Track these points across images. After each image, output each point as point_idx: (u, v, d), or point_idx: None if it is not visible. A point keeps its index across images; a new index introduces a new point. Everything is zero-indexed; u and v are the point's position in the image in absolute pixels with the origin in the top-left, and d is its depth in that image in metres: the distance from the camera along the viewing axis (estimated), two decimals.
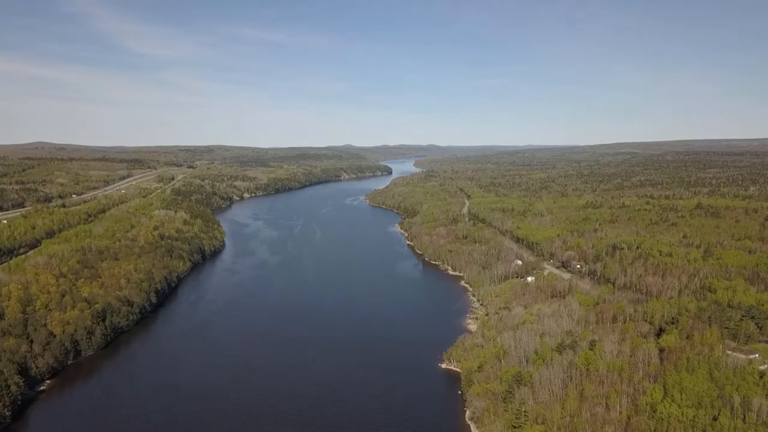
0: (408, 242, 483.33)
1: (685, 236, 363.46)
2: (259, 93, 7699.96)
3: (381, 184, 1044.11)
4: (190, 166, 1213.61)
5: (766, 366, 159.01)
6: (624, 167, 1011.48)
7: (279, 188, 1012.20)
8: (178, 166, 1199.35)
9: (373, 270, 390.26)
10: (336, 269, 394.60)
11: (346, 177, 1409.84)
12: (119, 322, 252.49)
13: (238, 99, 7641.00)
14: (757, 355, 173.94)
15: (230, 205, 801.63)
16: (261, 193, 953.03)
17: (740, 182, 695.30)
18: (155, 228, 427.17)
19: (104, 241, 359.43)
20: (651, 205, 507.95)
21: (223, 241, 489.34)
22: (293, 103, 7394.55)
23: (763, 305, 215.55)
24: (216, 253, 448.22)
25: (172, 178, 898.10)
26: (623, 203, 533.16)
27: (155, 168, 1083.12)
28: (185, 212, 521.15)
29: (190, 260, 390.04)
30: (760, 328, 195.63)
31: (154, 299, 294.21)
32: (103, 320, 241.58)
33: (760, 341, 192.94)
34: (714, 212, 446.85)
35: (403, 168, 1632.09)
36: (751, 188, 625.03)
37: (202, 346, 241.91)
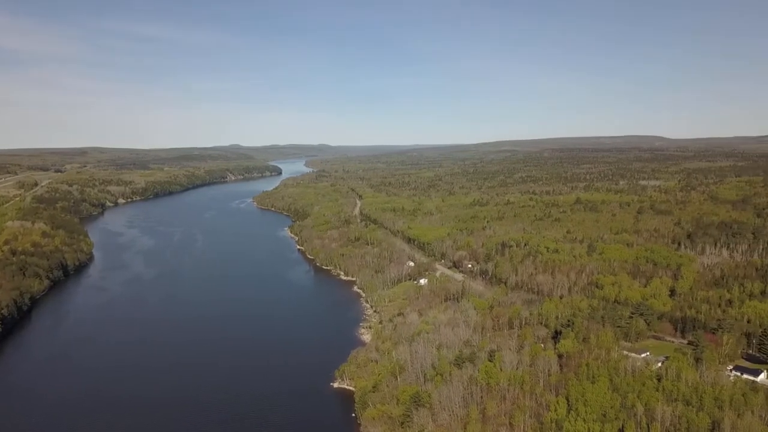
0: (299, 247, 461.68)
1: (568, 231, 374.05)
2: (138, 91, 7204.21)
3: (270, 185, 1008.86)
4: (57, 170, 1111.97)
5: (659, 365, 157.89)
6: (506, 165, 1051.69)
7: (158, 192, 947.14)
8: (44, 170, 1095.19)
9: (261, 279, 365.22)
10: (219, 281, 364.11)
11: (233, 178, 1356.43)
12: None
13: (115, 98, 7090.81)
14: (648, 353, 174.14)
15: (102, 213, 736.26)
16: (138, 198, 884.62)
17: (611, 177, 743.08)
18: (6, 242, 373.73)
19: None
20: (534, 201, 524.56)
21: (91, 253, 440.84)
22: (176, 101, 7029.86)
23: (647, 300, 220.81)
24: (82, 267, 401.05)
25: (35, 184, 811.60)
26: (508, 200, 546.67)
27: (16, 173, 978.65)
28: (45, 223, 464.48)
29: (48, 278, 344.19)
30: (648, 324, 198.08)
31: None
32: None
33: (648, 337, 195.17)
34: (592, 207, 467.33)
35: (294, 168, 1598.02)
36: (621, 182, 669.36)
37: (59, 379, 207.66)
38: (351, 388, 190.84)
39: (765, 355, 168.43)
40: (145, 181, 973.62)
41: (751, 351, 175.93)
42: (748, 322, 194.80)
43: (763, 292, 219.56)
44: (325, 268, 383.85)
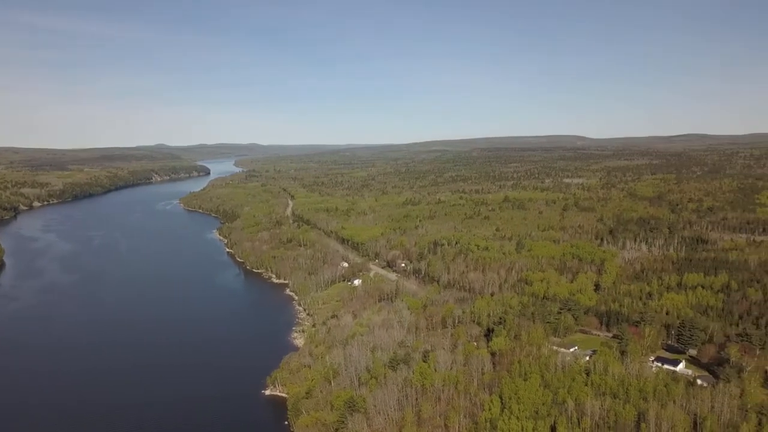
0: (228, 249, 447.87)
1: (498, 229, 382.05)
2: (57, 89, 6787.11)
3: (198, 185, 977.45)
4: None
5: (587, 359, 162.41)
6: (437, 164, 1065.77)
7: (78, 194, 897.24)
8: None
9: (188, 284, 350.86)
10: (143, 287, 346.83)
11: (159, 179, 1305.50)
12: None
13: (31, 95, 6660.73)
14: (577, 348, 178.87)
15: (15, 217, 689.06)
16: (55, 201, 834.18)
17: (537, 175, 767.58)
18: None
19: None
20: (464, 200, 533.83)
21: (2, 260, 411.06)
22: (98, 99, 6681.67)
23: (574, 295, 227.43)
24: None
25: None
26: (439, 199, 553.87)
27: None
28: None
29: None
30: (576, 319, 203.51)
31: None
32: None
33: (576, 331, 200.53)
34: (520, 205, 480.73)
35: (223, 168, 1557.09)
36: (547, 181, 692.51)
37: None
38: (283, 394, 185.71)
39: (683, 345, 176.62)
40: (63, 182, 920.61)
41: (670, 342, 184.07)
42: (667, 313, 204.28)
43: (679, 285, 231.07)
44: (256, 271, 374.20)
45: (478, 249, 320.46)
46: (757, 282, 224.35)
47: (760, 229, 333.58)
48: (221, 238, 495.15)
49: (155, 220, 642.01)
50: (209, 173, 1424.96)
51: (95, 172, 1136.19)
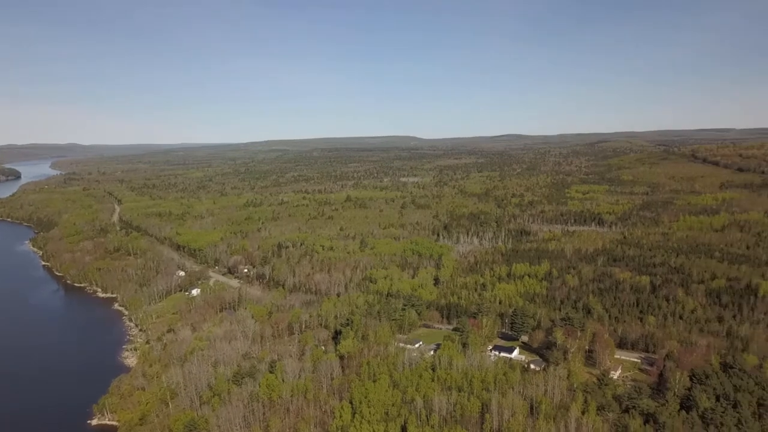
0: (44, 263, 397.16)
1: (341, 228, 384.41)
2: None
3: (6, 191, 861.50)
4: None
5: (431, 353, 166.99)
6: (278, 164, 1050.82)
7: None
8: None
9: None
10: None
11: None
12: None
13: None
14: (421, 342, 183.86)
15: None
16: None
17: (376, 175, 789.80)
18: None
19: None
20: (308, 200, 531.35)
21: None
22: None
23: (416, 290, 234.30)
24: None
25: None
26: (282, 200, 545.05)
27: None
28: None
29: None
30: (419, 314, 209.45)
31: None
32: None
33: (420, 326, 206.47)
34: (361, 203, 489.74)
35: (37, 171, 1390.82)
36: (385, 179, 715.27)
37: None
38: (114, 423, 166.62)
39: (516, 333, 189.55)
40: None
41: (504, 330, 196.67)
42: (500, 303, 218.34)
43: (508, 275, 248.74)
44: (79, 285, 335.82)
45: (324, 249, 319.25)
46: (573, 269, 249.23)
47: (572, 220, 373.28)
48: (35, 249, 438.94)
49: None
50: (20, 177, 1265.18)
51: None
